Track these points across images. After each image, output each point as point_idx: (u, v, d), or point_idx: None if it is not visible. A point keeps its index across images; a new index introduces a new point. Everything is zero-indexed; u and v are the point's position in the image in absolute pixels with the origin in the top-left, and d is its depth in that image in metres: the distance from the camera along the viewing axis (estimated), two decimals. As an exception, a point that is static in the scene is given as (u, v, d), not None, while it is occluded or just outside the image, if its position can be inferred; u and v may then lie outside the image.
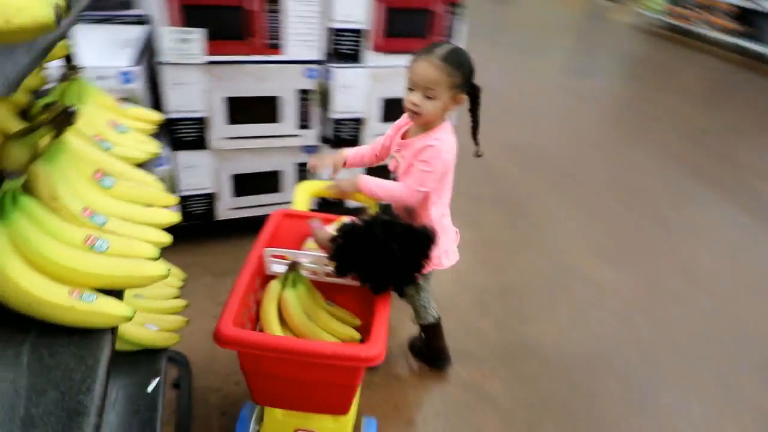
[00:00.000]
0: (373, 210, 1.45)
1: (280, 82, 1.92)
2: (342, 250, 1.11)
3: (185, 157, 1.96)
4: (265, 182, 2.14)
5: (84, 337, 0.67)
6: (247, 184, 2.11)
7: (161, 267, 0.75)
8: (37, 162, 0.73)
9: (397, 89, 2.01)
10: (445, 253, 1.44)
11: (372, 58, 1.99)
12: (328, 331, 1.25)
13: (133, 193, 0.89)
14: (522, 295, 2.10)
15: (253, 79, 1.87)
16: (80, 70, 1.05)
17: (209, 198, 2.08)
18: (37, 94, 1.04)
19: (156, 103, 1.86)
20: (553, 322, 1.97)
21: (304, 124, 2.04)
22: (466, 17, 2.06)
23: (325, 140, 2.12)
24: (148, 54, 1.81)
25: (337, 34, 1.91)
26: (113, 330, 0.70)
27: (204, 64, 1.78)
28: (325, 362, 1.03)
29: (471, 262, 2.21)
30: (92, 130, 0.98)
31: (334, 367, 1.05)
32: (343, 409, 1.21)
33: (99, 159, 0.89)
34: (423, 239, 1.13)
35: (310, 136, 2.08)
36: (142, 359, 1.20)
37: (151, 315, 1.21)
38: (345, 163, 1.49)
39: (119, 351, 1.17)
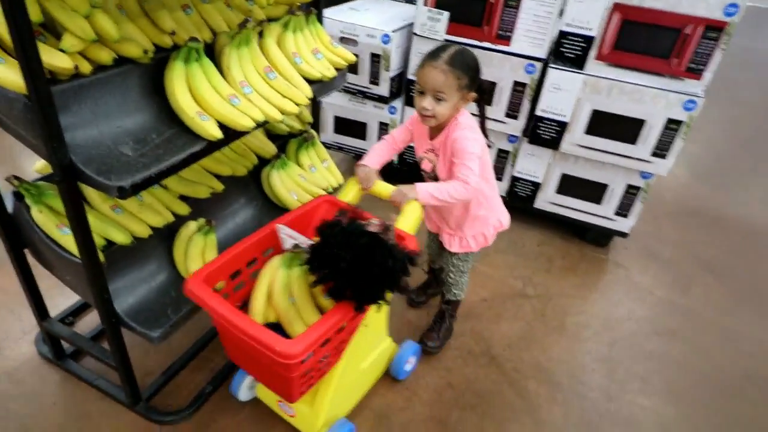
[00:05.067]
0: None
1: (501, 72, 2.14)
2: (315, 250, 1.14)
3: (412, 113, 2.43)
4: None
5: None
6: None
7: (248, 121, 1.21)
8: (229, 42, 1.29)
9: (613, 105, 1.98)
10: (503, 214, 1.60)
11: (594, 67, 1.98)
12: (303, 319, 1.25)
13: (282, 87, 1.38)
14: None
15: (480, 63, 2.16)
16: (311, 11, 1.59)
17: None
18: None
19: (405, 64, 2.38)
20: None
21: (512, 114, 2.21)
22: (726, 47, 1.78)
23: (525, 133, 2.24)
24: (408, 27, 2.32)
25: (564, 36, 1.98)
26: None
27: (443, 41, 2.17)
28: (248, 344, 1.05)
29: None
30: (295, 48, 1.51)
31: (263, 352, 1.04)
32: (288, 397, 1.24)
33: (275, 61, 1.41)
34: (394, 260, 1.10)
35: (515, 127, 2.24)
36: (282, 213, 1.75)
37: (297, 188, 1.74)
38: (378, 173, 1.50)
39: (271, 201, 1.75)
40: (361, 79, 2.40)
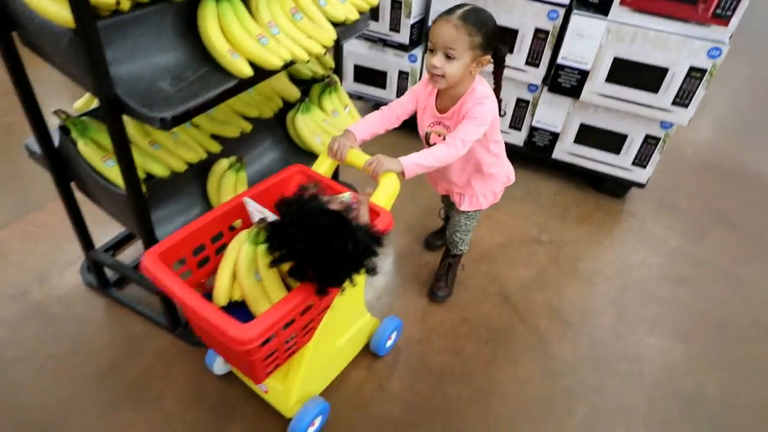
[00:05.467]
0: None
1: (523, 18, 2.12)
2: (273, 228, 1.05)
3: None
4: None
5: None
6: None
7: (276, 60, 1.26)
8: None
9: (635, 52, 1.98)
10: (509, 169, 1.62)
11: (619, 13, 1.96)
12: (269, 297, 1.17)
13: (307, 28, 1.42)
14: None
15: (502, 9, 2.12)
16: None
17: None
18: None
19: (426, 10, 2.37)
20: None
21: (533, 63, 2.21)
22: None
23: (545, 82, 2.24)
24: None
25: (588, -20, 1.96)
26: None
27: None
28: (200, 325, 1.02)
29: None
30: (319, -9, 1.54)
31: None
32: (254, 378, 1.21)
33: (301, 2, 1.44)
34: (355, 242, 1.00)
35: (536, 76, 2.24)
36: (307, 157, 1.82)
37: (321, 132, 1.80)
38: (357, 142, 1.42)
39: (296, 144, 1.81)
40: (382, 26, 2.40)
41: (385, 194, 1.28)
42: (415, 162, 1.30)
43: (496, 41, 1.33)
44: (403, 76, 2.53)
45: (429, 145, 1.49)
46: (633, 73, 2.03)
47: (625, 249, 2.20)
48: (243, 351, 0.97)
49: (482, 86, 1.38)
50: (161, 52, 1.20)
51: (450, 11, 1.28)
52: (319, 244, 0.99)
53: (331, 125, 1.82)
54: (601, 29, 1.99)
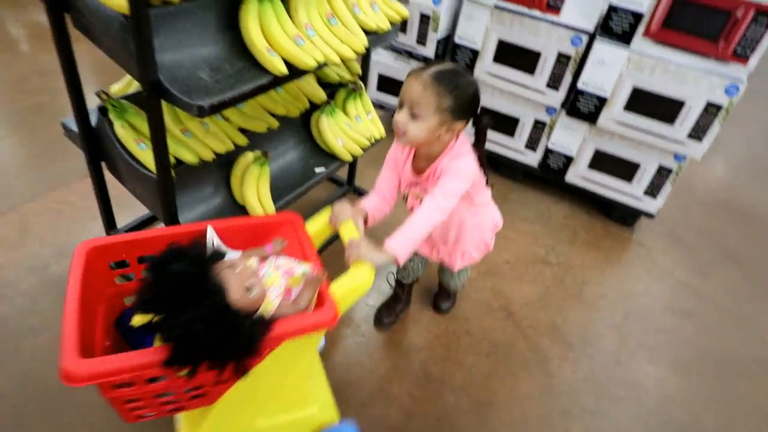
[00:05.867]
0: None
1: (547, 41, 2.18)
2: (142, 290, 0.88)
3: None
4: (505, 123, 2.48)
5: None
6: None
7: (311, 60, 1.31)
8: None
9: (655, 83, 2.02)
10: (496, 212, 1.50)
11: (641, 44, 2.01)
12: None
13: (341, 33, 1.47)
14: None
15: (526, 31, 2.20)
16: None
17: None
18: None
19: (452, 27, 2.43)
20: None
21: (553, 86, 2.26)
22: (778, 32, 1.80)
23: (563, 105, 2.29)
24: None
25: (613, 10, 2.01)
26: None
27: (493, 7, 2.21)
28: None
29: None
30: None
31: None
32: (120, 415, 1.00)
33: (337, 8, 1.50)
34: (227, 339, 0.85)
35: (555, 99, 2.29)
36: (328, 159, 1.86)
37: (343, 135, 1.85)
38: (366, 221, 1.29)
39: (318, 145, 1.86)
40: (409, 39, 2.47)
41: (348, 286, 1.07)
42: (404, 239, 1.15)
43: (474, 110, 1.21)
44: (424, 89, 2.59)
45: (407, 205, 1.40)
46: (650, 104, 2.08)
47: (631, 277, 2.22)
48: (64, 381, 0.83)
49: (462, 145, 1.24)
50: (203, 44, 1.25)
51: (425, 67, 1.16)
52: (186, 324, 0.82)
53: (353, 129, 1.87)
54: (623, 58, 2.04)
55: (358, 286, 1.08)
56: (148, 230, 1.13)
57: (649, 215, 2.38)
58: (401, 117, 1.18)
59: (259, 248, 1.15)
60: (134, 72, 1.13)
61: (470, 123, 1.24)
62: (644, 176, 2.28)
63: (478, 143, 1.27)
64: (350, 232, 1.19)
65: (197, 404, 1.04)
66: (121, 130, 1.31)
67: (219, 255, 0.98)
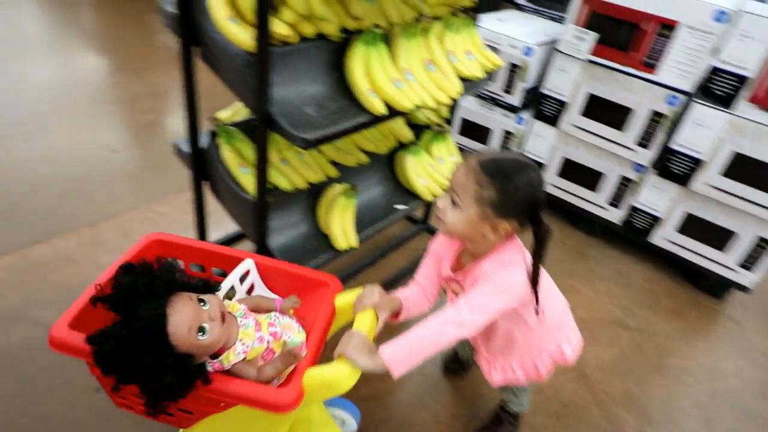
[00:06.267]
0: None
1: (640, 98, 2.13)
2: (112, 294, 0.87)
3: (538, 126, 2.49)
4: (587, 177, 2.43)
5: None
6: (572, 170, 2.46)
7: (408, 103, 1.36)
8: (402, 33, 1.45)
9: (758, 150, 1.94)
10: (567, 343, 1.24)
11: (744, 108, 1.91)
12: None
13: (438, 79, 1.53)
14: None
15: (619, 87, 2.16)
16: (470, 15, 1.72)
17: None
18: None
19: (540, 78, 2.44)
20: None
21: (643, 143, 2.19)
22: None
23: (653, 165, 2.20)
24: (551, 43, 2.38)
25: (715, 72, 1.94)
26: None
27: (585, 61, 2.21)
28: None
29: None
30: (452, 46, 1.65)
31: None
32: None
33: (435, 56, 1.55)
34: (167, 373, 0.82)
35: (644, 157, 2.21)
36: (408, 197, 1.89)
37: (425, 175, 1.88)
38: (398, 314, 1.14)
39: (400, 183, 1.91)
40: (495, 87, 2.50)
41: (323, 379, 0.92)
42: (405, 349, 0.94)
43: (525, 211, 1.00)
44: (507, 135, 2.60)
45: (447, 297, 1.24)
46: (752, 171, 1.96)
47: (719, 354, 2.04)
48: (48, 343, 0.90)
49: (512, 253, 1.07)
50: (311, 82, 1.34)
51: (479, 152, 1.04)
52: (135, 349, 0.80)
53: (436, 170, 1.90)
54: (723, 122, 1.95)
55: (332, 383, 0.91)
56: (206, 242, 1.22)
57: (744, 288, 2.20)
58: (441, 202, 1.07)
59: (270, 298, 1.09)
60: (250, 103, 1.23)
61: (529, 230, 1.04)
62: (740, 246, 2.13)
63: (535, 257, 1.03)
64: (362, 322, 1.02)
65: (166, 421, 0.99)
66: (227, 153, 1.42)
67: (206, 286, 0.95)
